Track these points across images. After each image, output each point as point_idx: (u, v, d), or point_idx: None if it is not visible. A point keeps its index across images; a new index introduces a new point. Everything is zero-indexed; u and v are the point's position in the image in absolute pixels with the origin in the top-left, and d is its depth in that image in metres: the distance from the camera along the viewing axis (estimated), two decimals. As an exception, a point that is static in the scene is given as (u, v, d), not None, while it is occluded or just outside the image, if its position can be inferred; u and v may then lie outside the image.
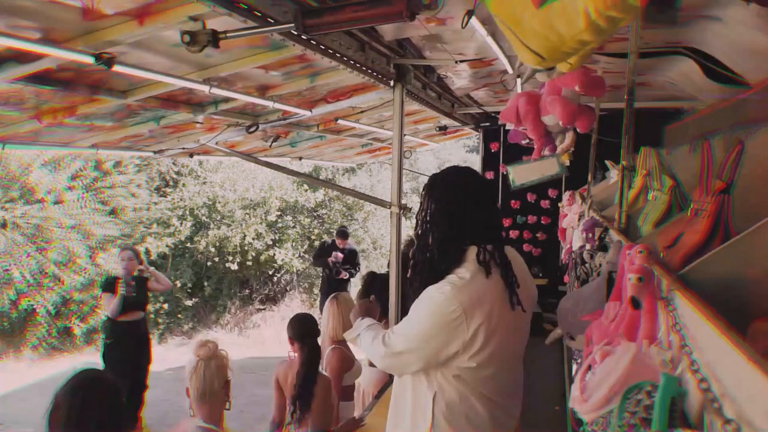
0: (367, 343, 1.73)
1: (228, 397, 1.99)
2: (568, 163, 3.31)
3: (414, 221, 1.76)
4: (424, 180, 1.86)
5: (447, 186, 1.66)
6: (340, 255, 6.91)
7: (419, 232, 1.67)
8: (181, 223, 9.94)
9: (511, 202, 6.09)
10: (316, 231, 11.18)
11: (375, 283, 3.43)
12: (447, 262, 1.57)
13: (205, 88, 2.71)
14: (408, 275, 1.71)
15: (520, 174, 3.41)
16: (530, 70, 2.65)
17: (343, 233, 7.20)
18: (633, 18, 1.85)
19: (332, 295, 3.23)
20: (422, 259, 1.63)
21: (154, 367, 5.20)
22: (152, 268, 5.23)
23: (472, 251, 1.57)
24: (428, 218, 1.64)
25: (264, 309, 10.42)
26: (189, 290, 9.93)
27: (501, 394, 1.61)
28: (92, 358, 7.41)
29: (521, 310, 1.58)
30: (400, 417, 1.69)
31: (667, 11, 0.88)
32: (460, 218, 1.60)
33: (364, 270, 6.90)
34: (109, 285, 4.72)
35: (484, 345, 1.51)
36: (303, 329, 2.73)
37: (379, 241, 11.94)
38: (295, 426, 2.64)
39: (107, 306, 4.73)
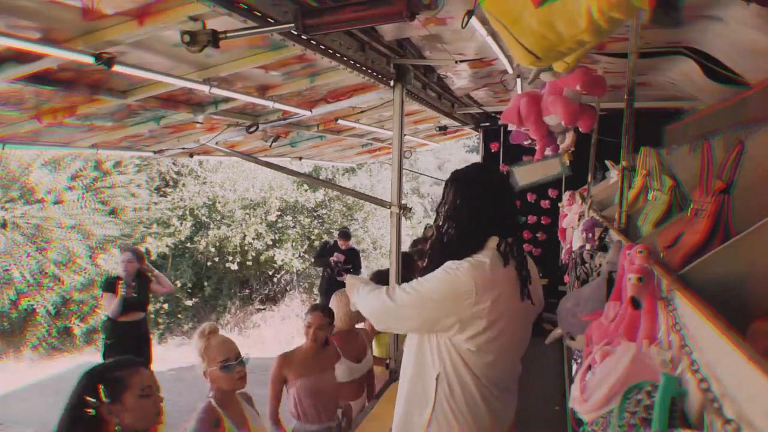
0: (365, 292, 1.75)
1: (204, 377, 2.14)
2: (568, 163, 3.32)
3: (434, 214, 1.79)
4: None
5: (471, 182, 1.69)
6: (342, 256, 6.91)
7: (440, 224, 1.70)
8: (181, 223, 9.94)
9: (511, 202, 6.06)
10: (316, 231, 11.17)
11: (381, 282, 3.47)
12: (465, 253, 1.60)
13: (205, 88, 2.71)
14: (424, 264, 1.73)
15: (523, 175, 3.43)
16: (535, 70, 2.65)
17: (345, 234, 7.20)
18: (633, 18, 1.85)
19: (337, 291, 3.27)
20: (440, 248, 1.67)
21: (154, 367, 5.18)
22: (156, 271, 5.23)
23: (493, 241, 1.61)
24: (450, 212, 1.67)
25: (264, 309, 10.42)
26: (189, 290, 9.93)
27: (498, 387, 1.64)
28: (92, 358, 7.41)
29: (530, 304, 1.63)
30: (402, 394, 1.73)
31: (673, 14, 0.88)
32: (483, 214, 1.63)
33: (364, 270, 6.88)
34: (110, 285, 4.72)
35: (487, 328, 1.54)
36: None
37: (379, 241, 11.95)
38: None
39: (108, 306, 4.72)
